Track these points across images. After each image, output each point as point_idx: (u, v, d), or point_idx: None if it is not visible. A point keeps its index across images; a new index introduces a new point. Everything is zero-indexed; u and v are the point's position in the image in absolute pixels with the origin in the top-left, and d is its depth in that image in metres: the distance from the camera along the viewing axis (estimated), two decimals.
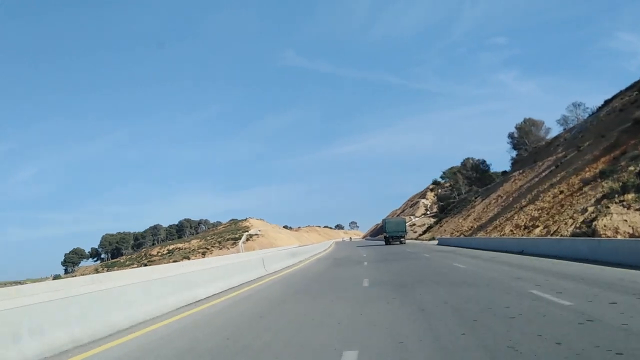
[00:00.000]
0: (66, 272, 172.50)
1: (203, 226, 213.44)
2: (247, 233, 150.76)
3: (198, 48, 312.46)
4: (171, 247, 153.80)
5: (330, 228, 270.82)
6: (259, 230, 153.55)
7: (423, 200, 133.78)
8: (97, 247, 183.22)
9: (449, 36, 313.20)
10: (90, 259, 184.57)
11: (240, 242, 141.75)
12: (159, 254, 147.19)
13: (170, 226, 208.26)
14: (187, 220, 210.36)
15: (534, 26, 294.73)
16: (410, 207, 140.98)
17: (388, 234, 53.97)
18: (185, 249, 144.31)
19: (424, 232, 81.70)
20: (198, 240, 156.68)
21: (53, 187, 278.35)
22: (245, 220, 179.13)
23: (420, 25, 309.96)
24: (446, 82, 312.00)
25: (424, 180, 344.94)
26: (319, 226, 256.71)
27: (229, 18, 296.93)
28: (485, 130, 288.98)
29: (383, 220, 61.04)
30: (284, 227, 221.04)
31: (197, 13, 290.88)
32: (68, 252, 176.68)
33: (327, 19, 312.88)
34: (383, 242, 59.68)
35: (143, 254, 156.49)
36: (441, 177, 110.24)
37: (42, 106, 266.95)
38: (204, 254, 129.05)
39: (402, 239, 53.14)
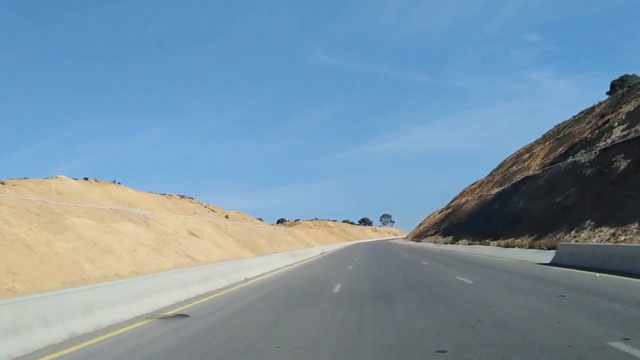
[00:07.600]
0: None
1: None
2: None
3: (228, 47, 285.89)
4: None
5: (352, 223, 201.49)
6: None
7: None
8: None
9: (483, 32, 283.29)
10: None
11: None
12: None
13: None
14: None
15: (571, 21, 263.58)
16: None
17: None
18: None
19: None
20: None
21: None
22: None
23: (453, 21, 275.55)
24: (479, 80, 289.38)
25: (459, 178, 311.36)
26: (334, 220, 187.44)
27: (258, 18, 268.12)
28: (521, 127, 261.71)
29: None
30: (278, 221, 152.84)
31: (226, 13, 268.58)
32: None
33: (357, 16, 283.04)
34: None
35: None
36: None
37: (79, 105, 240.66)
38: None
39: None
